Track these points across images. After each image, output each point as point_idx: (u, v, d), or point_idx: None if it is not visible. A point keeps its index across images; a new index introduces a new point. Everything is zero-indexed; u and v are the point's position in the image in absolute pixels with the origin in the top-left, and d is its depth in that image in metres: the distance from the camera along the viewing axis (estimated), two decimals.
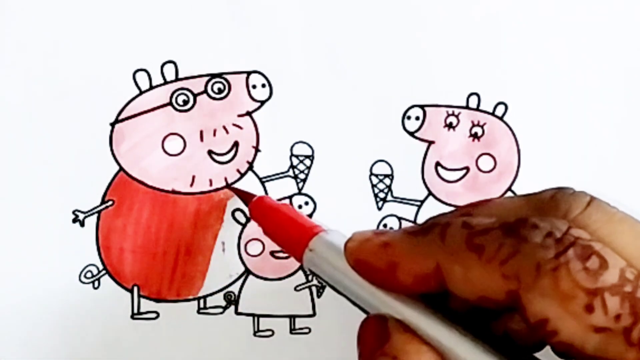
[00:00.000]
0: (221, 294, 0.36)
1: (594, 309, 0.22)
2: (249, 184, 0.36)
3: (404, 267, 0.25)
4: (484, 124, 0.37)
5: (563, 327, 0.22)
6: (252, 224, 0.36)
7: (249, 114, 0.36)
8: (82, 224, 0.35)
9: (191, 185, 0.36)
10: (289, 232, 0.30)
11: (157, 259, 0.36)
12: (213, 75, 0.36)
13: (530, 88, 0.37)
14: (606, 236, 0.24)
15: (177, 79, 0.35)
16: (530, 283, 0.23)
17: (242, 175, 0.36)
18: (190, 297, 0.36)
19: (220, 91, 0.36)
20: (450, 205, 0.37)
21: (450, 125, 0.37)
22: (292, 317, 0.36)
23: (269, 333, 0.36)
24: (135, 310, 0.36)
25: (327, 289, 0.36)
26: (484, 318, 0.26)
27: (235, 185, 0.36)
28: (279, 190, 0.36)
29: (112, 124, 0.35)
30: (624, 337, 0.22)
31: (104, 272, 0.35)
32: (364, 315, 0.27)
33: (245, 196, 0.35)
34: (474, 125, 0.37)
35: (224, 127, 0.36)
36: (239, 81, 0.36)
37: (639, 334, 0.22)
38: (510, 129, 0.37)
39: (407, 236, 0.26)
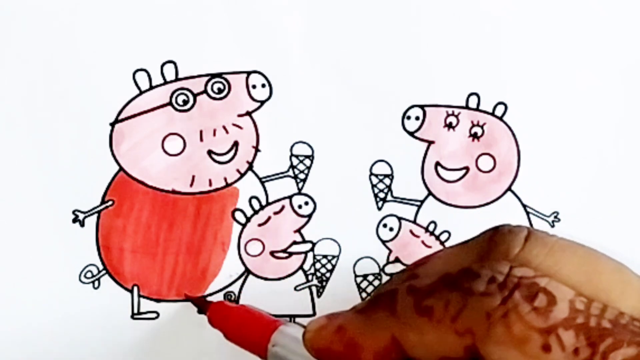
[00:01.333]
0: (221, 294, 0.36)
1: (551, 348, 0.22)
2: (249, 184, 0.36)
3: (362, 346, 0.25)
4: (484, 124, 0.37)
5: None
6: (252, 224, 0.36)
7: (249, 114, 0.36)
8: (82, 224, 0.35)
9: (191, 185, 0.36)
10: (251, 331, 0.31)
11: (157, 259, 0.36)
12: (213, 75, 0.36)
13: (530, 88, 0.37)
14: (550, 268, 0.23)
15: (177, 79, 0.35)
16: (483, 334, 0.22)
17: (242, 175, 0.36)
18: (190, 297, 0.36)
19: (220, 91, 0.36)
20: (450, 205, 0.37)
21: (450, 125, 0.37)
22: (292, 317, 0.36)
23: None
24: (135, 310, 0.36)
25: (327, 288, 0.36)
26: None
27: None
28: (278, 190, 0.36)
29: (112, 124, 0.35)
30: None
31: (104, 272, 0.35)
32: None
33: (201, 304, 0.35)
34: (473, 125, 0.37)
35: (224, 127, 0.36)
36: (239, 81, 0.36)
37: None
38: (510, 129, 0.37)
39: (358, 315, 0.26)
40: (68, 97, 0.35)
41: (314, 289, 0.36)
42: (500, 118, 0.37)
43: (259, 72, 0.36)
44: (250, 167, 0.36)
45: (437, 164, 0.37)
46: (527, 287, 0.23)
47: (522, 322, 0.22)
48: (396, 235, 0.37)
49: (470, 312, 0.23)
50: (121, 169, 0.35)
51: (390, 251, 0.37)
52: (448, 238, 0.37)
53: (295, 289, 0.36)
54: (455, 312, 0.23)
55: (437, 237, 0.37)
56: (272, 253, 0.36)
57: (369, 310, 0.26)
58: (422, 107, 0.36)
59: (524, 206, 0.37)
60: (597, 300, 0.23)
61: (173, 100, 0.35)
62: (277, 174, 0.36)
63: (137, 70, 0.35)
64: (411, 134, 0.36)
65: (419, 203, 0.37)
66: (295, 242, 0.36)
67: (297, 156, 0.36)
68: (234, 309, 0.34)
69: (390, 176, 0.36)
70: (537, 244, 0.24)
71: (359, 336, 0.25)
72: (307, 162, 0.36)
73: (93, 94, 0.35)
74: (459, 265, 0.24)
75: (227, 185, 0.36)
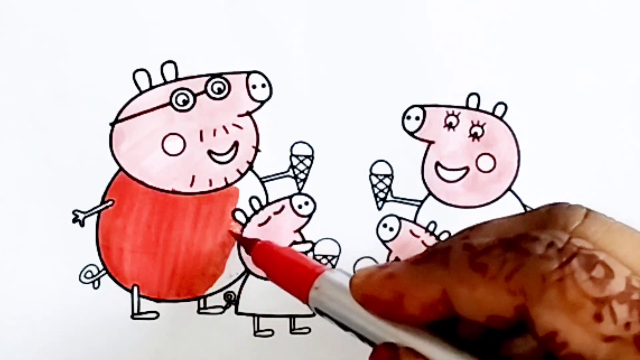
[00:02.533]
0: (221, 294, 0.36)
1: (603, 318, 0.22)
2: (249, 184, 0.36)
3: (411, 296, 0.25)
4: (484, 124, 0.37)
5: (573, 338, 0.22)
6: (252, 224, 0.36)
7: (249, 114, 0.36)
8: (82, 224, 0.35)
9: (191, 185, 0.36)
10: (293, 274, 0.31)
11: (157, 259, 0.36)
12: (213, 75, 0.36)
13: (530, 88, 0.37)
14: (607, 246, 0.23)
15: (177, 79, 0.35)
16: (536, 296, 0.23)
17: (242, 175, 0.36)
18: (190, 297, 0.36)
19: (220, 91, 0.36)
20: (450, 205, 0.37)
21: (450, 125, 0.37)
22: (292, 317, 0.36)
23: (269, 333, 0.36)
24: (135, 310, 0.36)
25: None
26: (491, 345, 0.26)
27: (237, 231, 0.36)
28: (279, 190, 0.36)
29: (112, 124, 0.35)
30: (635, 345, 0.22)
31: (104, 272, 0.35)
32: None
33: (247, 242, 0.35)
34: (473, 125, 0.37)
35: (224, 127, 0.36)
36: (239, 81, 0.36)
37: None
38: (510, 129, 0.37)
39: (410, 266, 0.26)
40: (68, 97, 0.35)
41: None
42: (500, 118, 0.37)
43: (259, 72, 0.36)
44: (250, 167, 0.36)
45: (437, 164, 0.37)
46: (585, 257, 0.23)
47: (577, 288, 0.22)
48: (396, 235, 0.37)
49: (526, 272, 0.23)
50: (121, 169, 0.35)
51: (390, 251, 0.37)
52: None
53: None
54: (510, 271, 0.23)
55: (437, 237, 0.37)
56: None
57: (422, 262, 0.26)
58: (422, 107, 0.36)
59: (524, 206, 0.37)
60: None
61: (173, 100, 0.35)
62: (277, 174, 0.36)
63: (137, 70, 0.35)
64: (411, 134, 0.36)
65: (419, 203, 0.37)
66: (295, 242, 0.36)
67: (297, 156, 0.36)
68: (280, 250, 0.33)
69: (390, 176, 0.36)
70: (596, 222, 0.24)
71: (409, 286, 0.25)
72: (307, 162, 0.36)
73: (93, 94, 0.35)
74: (515, 232, 0.24)
75: (227, 185, 0.36)
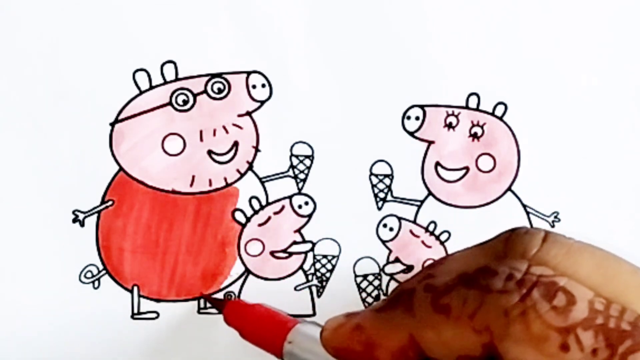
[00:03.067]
0: (221, 294, 0.36)
1: (569, 347, 0.22)
2: (249, 184, 0.36)
3: (380, 345, 0.25)
4: (484, 124, 0.37)
5: None
6: (252, 224, 0.36)
7: (249, 114, 0.36)
8: (82, 224, 0.35)
9: (191, 185, 0.36)
10: (266, 328, 0.31)
11: (157, 259, 0.36)
12: (213, 75, 0.36)
13: (530, 88, 0.37)
14: (567, 268, 0.23)
15: (177, 79, 0.35)
16: (501, 332, 0.22)
17: (242, 175, 0.36)
18: (190, 297, 0.36)
19: (220, 91, 0.36)
20: (450, 205, 0.37)
21: (450, 125, 0.37)
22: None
23: None
24: (135, 310, 0.36)
25: (327, 289, 0.36)
26: None
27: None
28: (278, 190, 0.36)
29: (112, 124, 0.35)
30: None
31: (104, 272, 0.35)
32: None
33: (217, 303, 0.35)
34: (473, 125, 0.37)
35: (224, 127, 0.36)
36: (239, 81, 0.36)
37: None
38: (510, 129, 0.37)
39: (375, 314, 0.26)
40: (68, 97, 0.35)
41: (314, 289, 0.36)
42: (500, 118, 0.37)
43: (259, 72, 0.36)
44: (250, 167, 0.36)
45: (437, 164, 0.37)
46: (545, 285, 0.22)
47: (540, 320, 0.22)
48: (396, 235, 0.37)
49: (488, 309, 0.23)
50: (121, 169, 0.35)
51: (390, 251, 0.37)
52: (448, 238, 0.37)
53: (295, 289, 0.36)
54: (472, 310, 0.23)
55: (437, 237, 0.37)
56: (272, 253, 0.36)
57: (386, 309, 0.25)
58: (422, 107, 0.36)
59: (524, 206, 0.37)
60: (615, 302, 0.22)
61: (173, 100, 0.35)
62: (277, 174, 0.36)
63: (137, 70, 0.35)
64: (411, 134, 0.36)
65: (419, 203, 0.37)
66: (295, 242, 0.36)
67: (297, 156, 0.36)
68: (250, 307, 0.33)
69: (390, 176, 0.36)
70: (555, 245, 0.24)
71: (376, 335, 0.25)
72: (307, 162, 0.36)
73: (93, 94, 0.35)
74: (476, 265, 0.24)
75: (227, 185, 0.36)
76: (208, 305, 0.36)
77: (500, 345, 0.23)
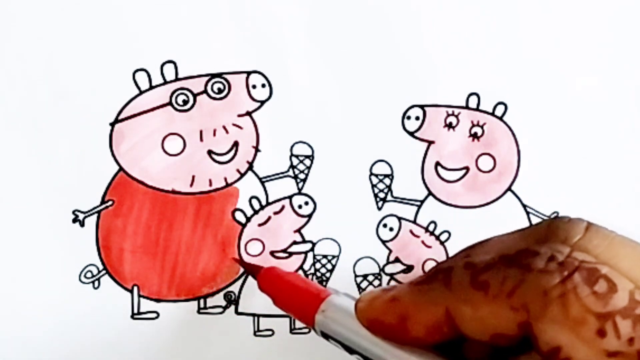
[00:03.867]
0: (221, 294, 0.36)
1: (606, 334, 0.22)
2: (249, 184, 0.36)
3: (415, 318, 0.25)
4: (484, 124, 0.37)
5: (576, 353, 0.22)
6: (252, 224, 0.36)
7: (249, 114, 0.36)
8: (82, 224, 0.35)
9: (191, 185, 0.36)
10: (299, 298, 0.31)
11: (157, 259, 0.36)
12: (213, 75, 0.36)
13: (530, 88, 0.37)
14: (609, 260, 0.23)
15: (177, 79, 0.35)
16: (539, 312, 0.23)
17: (242, 175, 0.36)
18: (190, 297, 0.36)
19: (220, 91, 0.36)
20: (450, 205, 0.37)
21: (450, 125, 0.37)
22: (292, 317, 0.36)
23: (269, 333, 0.36)
24: (135, 310, 0.36)
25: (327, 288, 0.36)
26: None
27: (245, 259, 0.36)
28: (279, 190, 0.36)
29: (112, 124, 0.35)
30: None
31: (104, 272, 0.35)
32: None
33: (252, 268, 0.35)
34: (473, 125, 0.37)
35: (224, 127, 0.36)
36: (239, 81, 0.36)
37: None
38: (510, 129, 0.37)
39: (413, 287, 0.26)
40: (68, 97, 0.35)
41: None
42: (500, 118, 0.37)
43: (259, 72, 0.36)
44: (250, 167, 0.36)
45: (437, 164, 0.37)
46: (587, 270, 0.23)
47: (580, 303, 0.22)
48: (396, 235, 0.37)
49: (527, 287, 0.23)
50: (121, 169, 0.35)
51: (390, 251, 0.37)
52: (448, 238, 0.37)
53: None
54: (511, 288, 0.23)
55: (437, 237, 0.37)
56: (272, 253, 0.36)
57: (424, 283, 0.26)
58: (422, 107, 0.36)
59: (524, 206, 0.37)
60: None
61: (173, 100, 0.35)
62: (277, 174, 0.36)
63: (137, 70, 0.35)
64: (411, 134, 0.36)
65: (419, 203, 0.37)
66: (295, 242, 0.36)
67: (297, 156, 0.36)
68: (285, 275, 0.33)
69: (390, 176, 0.36)
70: (597, 235, 0.24)
71: (412, 308, 0.25)
72: (307, 162, 0.36)
73: (93, 94, 0.35)
74: (516, 248, 0.24)
75: (227, 185, 0.36)
76: (208, 305, 0.36)
77: (537, 325, 0.23)
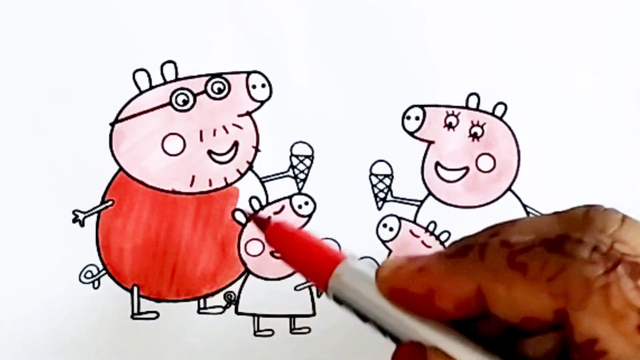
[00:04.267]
0: (221, 294, 0.36)
1: None
2: (249, 184, 0.36)
3: (444, 291, 0.24)
4: (484, 124, 0.37)
5: (613, 347, 0.22)
6: (253, 224, 0.36)
7: (249, 114, 0.36)
8: (82, 224, 0.35)
9: (191, 185, 0.36)
10: (312, 258, 0.29)
11: (157, 259, 0.36)
12: (213, 75, 0.36)
13: (530, 88, 0.37)
14: None
15: (177, 79, 0.35)
16: (579, 301, 0.22)
17: (242, 175, 0.36)
18: (190, 297, 0.36)
19: (220, 91, 0.36)
20: (450, 205, 0.37)
21: (450, 125, 0.37)
22: (292, 317, 0.36)
23: (269, 333, 0.36)
24: (135, 310, 0.36)
25: None
26: (508, 343, 0.26)
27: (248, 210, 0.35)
28: (279, 190, 0.36)
29: (112, 124, 0.35)
30: None
31: (104, 272, 0.35)
32: None
33: (260, 221, 0.34)
34: (473, 125, 0.37)
35: (224, 127, 0.36)
36: (239, 81, 0.36)
37: None
38: (510, 129, 0.37)
39: (443, 259, 0.25)
40: (68, 97, 0.35)
41: (313, 289, 0.36)
42: (500, 118, 0.37)
43: (259, 72, 0.36)
44: (250, 167, 0.36)
45: (437, 164, 0.37)
46: (630, 264, 0.22)
47: (622, 297, 0.22)
48: (396, 235, 0.37)
49: (570, 275, 0.22)
50: (121, 169, 0.35)
51: (390, 251, 0.37)
52: (448, 238, 0.37)
53: (295, 289, 0.36)
54: (552, 273, 0.22)
55: (437, 237, 0.37)
56: (272, 253, 0.36)
57: (456, 255, 0.24)
58: (422, 107, 0.36)
59: (524, 206, 0.37)
60: None
61: (173, 100, 0.35)
62: (277, 174, 0.36)
63: (137, 70, 0.35)
64: (411, 134, 0.36)
65: (419, 203, 0.37)
66: None
67: (297, 156, 0.36)
68: (297, 232, 0.31)
69: (390, 176, 0.36)
70: (634, 227, 0.24)
71: (442, 281, 0.24)
72: (307, 162, 0.36)
73: (93, 94, 0.35)
74: (552, 232, 0.24)
75: (227, 185, 0.36)
76: (208, 305, 0.36)
77: (575, 314, 0.22)
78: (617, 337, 0.22)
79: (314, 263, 0.29)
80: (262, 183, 0.36)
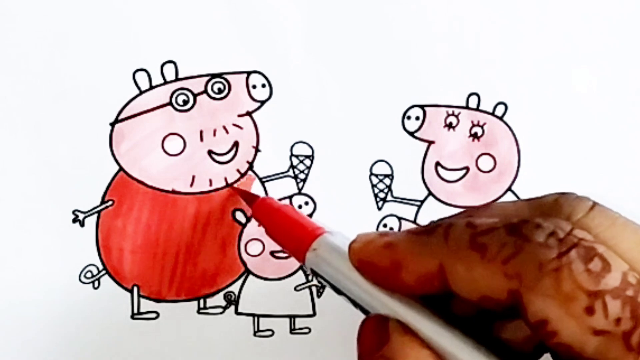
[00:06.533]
0: (221, 294, 0.36)
1: (595, 312, 0.22)
2: (249, 184, 0.36)
3: (408, 266, 0.25)
4: (484, 124, 0.37)
5: (563, 328, 0.22)
6: (252, 224, 0.36)
7: (249, 114, 0.36)
8: (82, 224, 0.35)
9: (191, 185, 0.36)
10: (292, 232, 0.30)
11: (157, 259, 0.36)
12: (213, 75, 0.36)
13: (530, 88, 0.37)
14: (608, 240, 0.24)
15: (177, 79, 0.35)
16: (531, 283, 0.23)
17: (242, 175, 0.36)
18: (190, 297, 0.36)
19: (220, 91, 0.36)
20: (450, 205, 0.37)
21: (450, 125, 0.37)
22: (292, 317, 0.36)
23: (269, 333, 0.36)
24: (135, 310, 0.36)
25: (327, 289, 0.36)
26: (483, 324, 0.26)
27: (238, 186, 0.36)
28: (279, 190, 0.36)
29: (112, 124, 0.35)
30: (624, 341, 0.22)
31: (104, 272, 0.35)
32: (363, 316, 0.27)
33: (248, 197, 0.35)
34: (473, 125, 0.37)
35: (224, 127, 0.36)
36: (239, 81, 0.36)
37: (639, 338, 0.22)
38: (510, 129, 0.37)
39: (411, 236, 0.26)
40: (68, 97, 0.35)
41: (314, 289, 0.36)
42: (500, 118, 0.37)
43: (259, 72, 0.36)
44: (250, 167, 0.36)
45: (437, 164, 0.37)
46: (585, 248, 0.23)
47: (572, 279, 0.22)
48: None
49: (524, 258, 0.23)
50: (121, 169, 0.35)
51: None
52: None
53: (295, 289, 0.36)
54: (508, 255, 0.23)
55: None
56: (272, 253, 0.36)
57: (423, 234, 0.26)
58: (422, 107, 0.36)
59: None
60: None
61: (173, 100, 0.35)
62: (277, 174, 0.36)
63: (137, 70, 0.35)
64: (411, 134, 0.36)
65: (419, 203, 0.37)
66: None
67: (297, 156, 0.36)
68: (281, 207, 0.33)
69: (390, 176, 0.36)
70: (600, 215, 0.24)
71: (407, 256, 0.25)
72: (307, 162, 0.36)
73: (93, 94, 0.35)
74: (518, 217, 0.24)
75: (227, 185, 0.36)
76: (208, 305, 0.36)
77: (527, 295, 0.23)
78: (566, 318, 0.22)
79: (294, 237, 0.30)
80: (262, 183, 0.36)
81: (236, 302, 0.36)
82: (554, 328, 0.23)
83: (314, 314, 0.36)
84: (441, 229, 0.25)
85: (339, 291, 0.28)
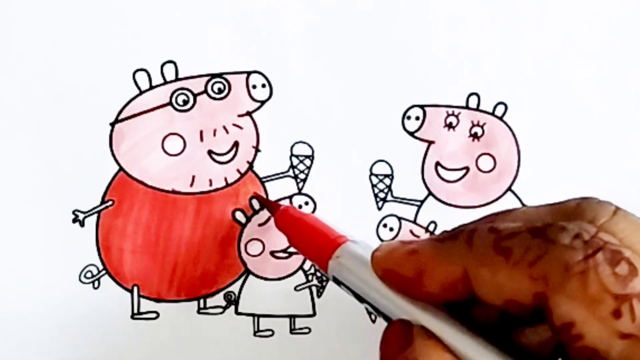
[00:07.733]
0: (221, 294, 0.36)
1: (622, 315, 0.22)
2: (249, 184, 0.36)
3: (431, 274, 0.25)
4: (484, 124, 0.37)
5: (589, 331, 0.22)
6: (252, 224, 0.36)
7: (249, 114, 0.36)
8: (82, 224, 0.35)
9: (191, 185, 0.36)
10: (315, 241, 0.30)
11: (157, 259, 0.36)
12: (213, 75, 0.36)
13: (530, 88, 0.37)
14: (633, 245, 0.23)
15: (177, 79, 0.35)
16: (557, 285, 0.23)
17: (242, 175, 0.36)
18: (190, 297, 0.36)
19: (220, 91, 0.36)
20: (450, 205, 0.37)
21: (450, 125, 0.37)
22: (292, 317, 0.36)
23: (269, 333, 0.36)
24: (135, 310, 0.36)
25: (327, 289, 0.36)
26: (506, 331, 0.26)
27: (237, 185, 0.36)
28: (279, 190, 0.36)
29: (112, 124, 0.35)
30: None
31: (104, 272, 0.35)
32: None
33: (271, 206, 0.35)
34: (473, 125, 0.37)
35: (224, 127, 0.36)
36: (239, 81, 0.36)
37: None
38: (510, 129, 0.37)
39: (433, 243, 0.26)
40: (68, 97, 0.35)
41: (314, 289, 0.36)
42: (500, 118, 0.37)
43: (259, 72, 0.36)
44: (250, 167, 0.36)
45: (437, 164, 0.37)
46: (610, 252, 0.23)
47: (599, 282, 0.22)
48: (396, 235, 0.37)
49: (550, 260, 0.23)
50: (121, 169, 0.35)
51: None
52: None
53: (295, 289, 0.36)
54: (533, 258, 0.23)
55: None
56: (272, 253, 0.36)
57: (446, 240, 0.25)
58: (422, 107, 0.36)
59: (524, 206, 0.37)
60: None
61: (173, 100, 0.35)
62: (277, 174, 0.36)
63: (137, 70, 0.35)
64: (411, 134, 0.36)
65: (419, 203, 0.37)
66: None
67: (297, 156, 0.36)
68: (303, 216, 0.33)
69: (390, 176, 0.36)
70: (624, 219, 0.24)
71: (430, 263, 0.25)
72: (307, 162, 0.36)
73: (93, 94, 0.35)
74: (541, 222, 0.24)
75: (227, 185, 0.36)
76: (208, 305, 0.36)
77: (553, 298, 0.23)
78: (592, 321, 0.22)
79: (316, 246, 0.30)
80: (262, 183, 0.36)
81: (236, 302, 0.36)
82: (579, 331, 0.22)
83: (314, 314, 0.36)
84: (464, 234, 0.25)
85: (361, 299, 0.28)
